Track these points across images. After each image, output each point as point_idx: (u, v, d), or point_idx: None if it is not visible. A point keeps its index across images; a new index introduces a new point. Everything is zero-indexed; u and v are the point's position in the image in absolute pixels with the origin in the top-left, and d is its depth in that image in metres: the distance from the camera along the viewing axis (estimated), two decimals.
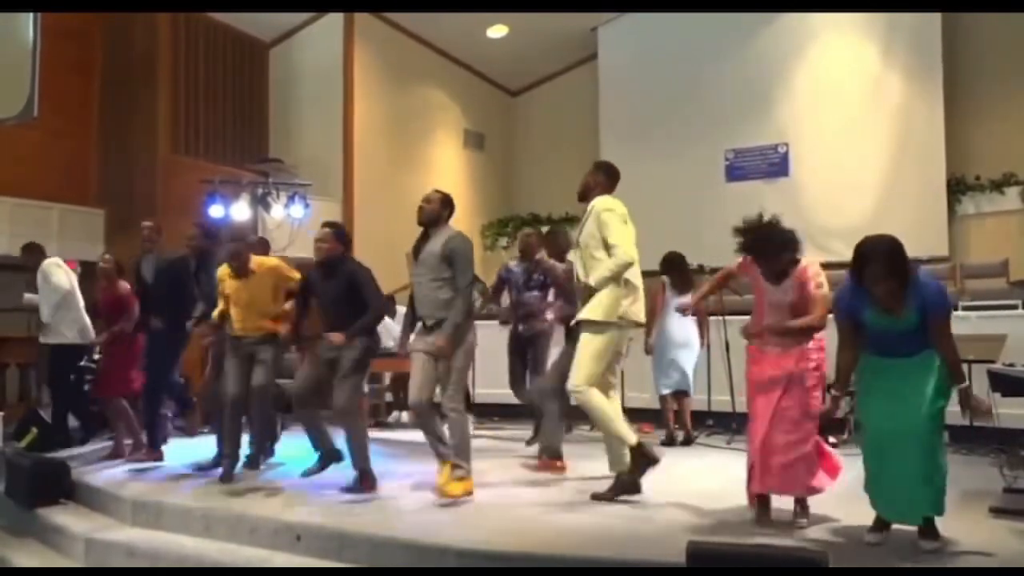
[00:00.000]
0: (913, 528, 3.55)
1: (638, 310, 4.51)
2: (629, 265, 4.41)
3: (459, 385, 4.67)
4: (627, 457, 4.45)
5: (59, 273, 6.56)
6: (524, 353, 6.51)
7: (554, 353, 6.11)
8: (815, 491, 3.89)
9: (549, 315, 6.46)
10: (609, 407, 4.46)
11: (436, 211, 4.72)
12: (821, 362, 3.93)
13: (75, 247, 9.31)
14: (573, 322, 4.51)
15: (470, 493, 4.54)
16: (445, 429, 4.72)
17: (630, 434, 4.43)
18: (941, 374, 3.48)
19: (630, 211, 4.58)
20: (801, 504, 3.95)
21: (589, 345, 4.38)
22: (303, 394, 4.83)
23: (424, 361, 4.66)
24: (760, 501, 3.96)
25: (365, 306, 4.78)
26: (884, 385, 3.57)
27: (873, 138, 10.20)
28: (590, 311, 4.38)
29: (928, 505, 3.46)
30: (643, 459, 4.39)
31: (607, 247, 4.36)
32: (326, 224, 5.04)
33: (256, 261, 5.27)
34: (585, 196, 4.60)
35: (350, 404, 4.74)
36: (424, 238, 4.74)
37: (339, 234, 4.94)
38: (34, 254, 6.68)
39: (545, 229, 12.64)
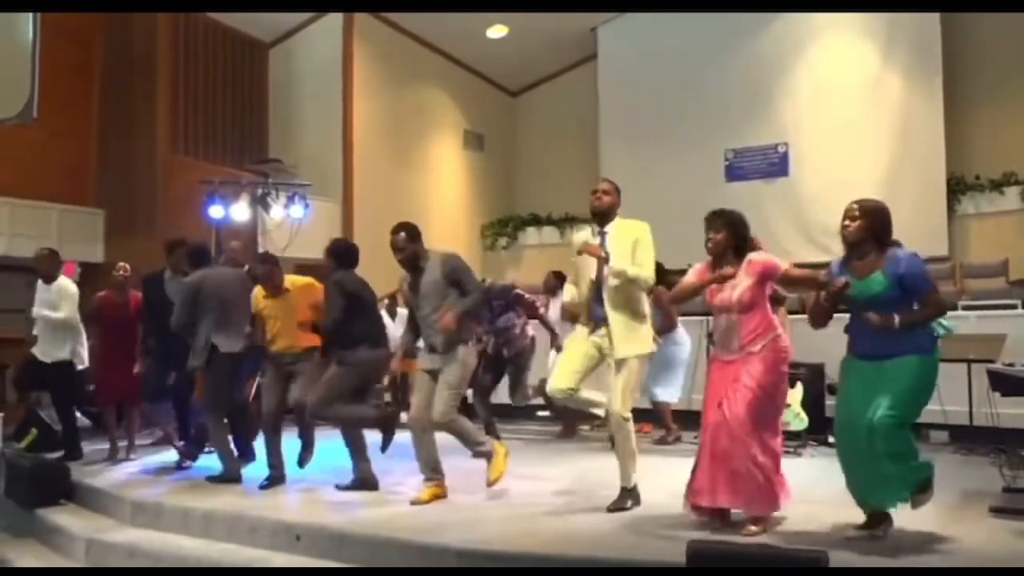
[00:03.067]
0: (916, 528, 3.57)
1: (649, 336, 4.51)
2: (647, 289, 4.40)
3: (454, 397, 4.62)
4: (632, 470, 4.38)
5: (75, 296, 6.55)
6: (501, 371, 6.78)
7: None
8: (769, 509, 3.82)
9: (530, 331, 6.80)
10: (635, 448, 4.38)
11: (412, 251, 4.68)
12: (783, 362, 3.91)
13: (75, 248, 9.31)
14: (619, 357, 4.27)
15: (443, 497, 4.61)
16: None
17: (632, 477, 4.36)
18: (917, 379, 3.50)
19: (630, 211, 4.55)
20: (754, 516, 3.82)
21: (632, 376, 4.31)
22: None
23: (428, 381, 4.67)
24: (720, 515, 3.89)
25: (352, 318, 4.85)
26: (855, 388, 3.62)
27: (873, 138, 10.20)
28: (638, 346, 4.31)
29: (886, 496, 3.52)
30: (632, 499, 4.34)
31: (635, 261, 4.26)
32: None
33: (289, 280, 5.32)
34: (607, 216, 4.41)
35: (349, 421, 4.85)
36: (415, 273, 4.71)
37: (332, 250, 5.10)
38: (53, 262, 6.58)
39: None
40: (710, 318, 4.85)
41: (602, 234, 4.37)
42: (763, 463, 3.74)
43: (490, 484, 4.58)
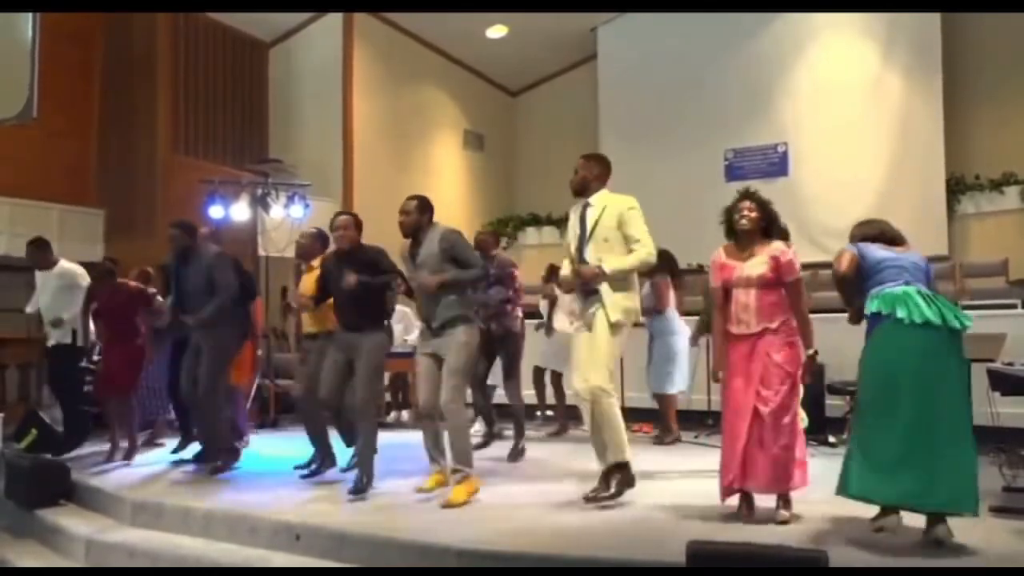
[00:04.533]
0: (915, 526, 3.57)
1: (638, 309, 4.54)
2: (651, 264, 4.44)
3: (461, 385, 4.64)
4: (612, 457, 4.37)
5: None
6: (493, 354, 6.27)
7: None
8: (795, 488, 3.94)
9: (519, 312, 6.42)
10: (620, 417, 4.38)
11: (416, 220, 4.66)
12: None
13: (75, 247, 9.31)
14: (611, 321, 4.29)
15: (476, 492, 4.55)
16: (446, 435, 4.72)
17: (627, 450, 4.36)
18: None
19: None
20: (784, 499, 3.96)
21: (607, 344, 4.28)
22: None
23: (430, 365, 4.66)
24: (744, 498, 4.00)
25: (383, 291, 4.86)
26: None
27: (873, 138, 10.20)
28: (625, 313, 4.31)
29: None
30: (625, 479, 4.35)
31: (630, 241, 4.30)
32: (342, 212, 5.10)
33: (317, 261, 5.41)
34: (584, 190, 4.45)
35: (368, 404, 4.83)
36: (415, 244, 4.70)
37: (358, 222, 5.00)
38: (42, 250, 6.62)
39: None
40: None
41: (585, 206, 4.43)
42: (790, 445, 3.86)
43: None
